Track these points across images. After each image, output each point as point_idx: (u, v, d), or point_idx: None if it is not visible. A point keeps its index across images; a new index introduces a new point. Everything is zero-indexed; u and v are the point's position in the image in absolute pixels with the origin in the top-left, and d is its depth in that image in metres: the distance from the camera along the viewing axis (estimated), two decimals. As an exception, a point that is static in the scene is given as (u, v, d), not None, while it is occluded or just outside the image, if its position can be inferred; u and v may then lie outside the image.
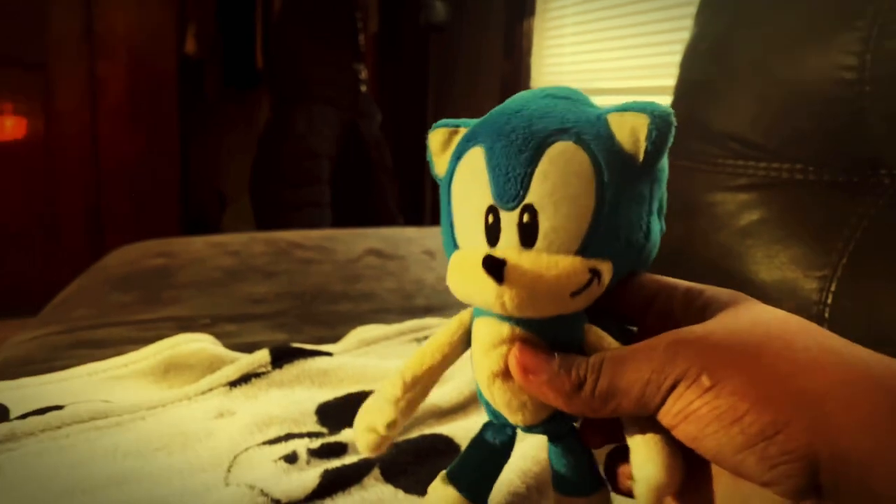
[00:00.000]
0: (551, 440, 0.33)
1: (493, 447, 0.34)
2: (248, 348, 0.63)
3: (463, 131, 0.31)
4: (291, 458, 0.46)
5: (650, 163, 0.28)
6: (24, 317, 0.97)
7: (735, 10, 0.74)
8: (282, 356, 0.59)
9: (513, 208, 0.27)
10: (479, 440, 0.34)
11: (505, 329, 0.29)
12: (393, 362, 0.63)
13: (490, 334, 0.30)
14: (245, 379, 0.57)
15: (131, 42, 2.41)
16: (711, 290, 0.29)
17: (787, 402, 0.22)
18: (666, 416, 0.25)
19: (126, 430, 0.50)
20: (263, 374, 0.58)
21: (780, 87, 0.65)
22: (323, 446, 0.48)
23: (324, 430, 0.52)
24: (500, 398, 0.30)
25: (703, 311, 0.28)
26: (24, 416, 0.50)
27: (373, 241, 1.19)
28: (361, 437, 0.32)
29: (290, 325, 0.77)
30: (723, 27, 0.74)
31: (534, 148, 0.27)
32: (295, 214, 2.23)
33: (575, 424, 0.33)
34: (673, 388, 0.24)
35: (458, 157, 0.30)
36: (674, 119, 0.27)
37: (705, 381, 0.24)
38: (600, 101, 0.30)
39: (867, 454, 0.21)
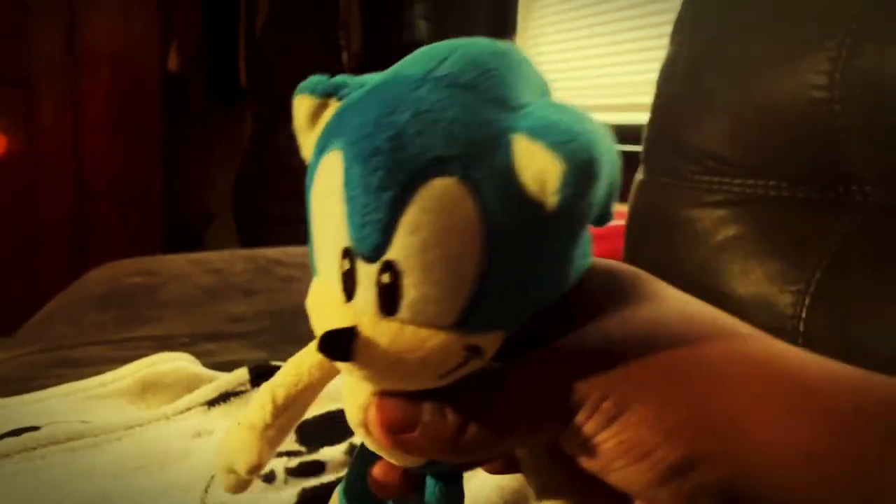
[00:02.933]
0: (435, 478, 0.27)
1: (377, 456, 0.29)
2: (227, 367, 0.63)
3: (335, 105, 0.23)
4: (269, 478, 0.46)
5: (563, 212, 0.19)
6: (5, 335, 0.96)
7: (709, 30, 0.75)
8: (261, 375, 0.59)
9: (371, 261, 0.20)
10: (362, 451, 0.30)
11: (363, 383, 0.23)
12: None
13: (349, 379, 0.24)
14: (223, 398, 0.57)
15: (115, 57, 2.41)
16: (598, 271, 0.24)
17: (701, 431, 0.19)
18: (567, 446, 0.22)
19: (103, 451, 0.50)
20: (242, 392, 0.58)
21: (753, 105, 0.66)
22: (301, 465, 0.48)
23: (302, 448, 0.52)
24: (370, 445, 0.26)
25: (595, 299, 0.23)
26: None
27: (355, 257, 1.19)
28: (222, 477, 0.27)
29: (269, 343, 0.77)
30: (698, 46, 0.75)
31: (401, 186, 0.19)
32: (278, 230, 2.23)
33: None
34: (573, 413, 0.21)
35: (319, 152, 0.22)
36: (596, 169, 0.19)
37: (609, 407, 0.20)
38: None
39: (797, 487, 0.19)
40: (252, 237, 2.28)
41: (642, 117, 0.85)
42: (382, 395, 0.23)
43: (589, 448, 0.21)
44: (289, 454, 0.50)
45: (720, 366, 0.20)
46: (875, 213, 0.59)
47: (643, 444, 0.20)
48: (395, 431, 0.22)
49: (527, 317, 0.22)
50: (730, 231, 0.67)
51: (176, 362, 0.63)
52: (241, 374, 0.59)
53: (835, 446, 0.19)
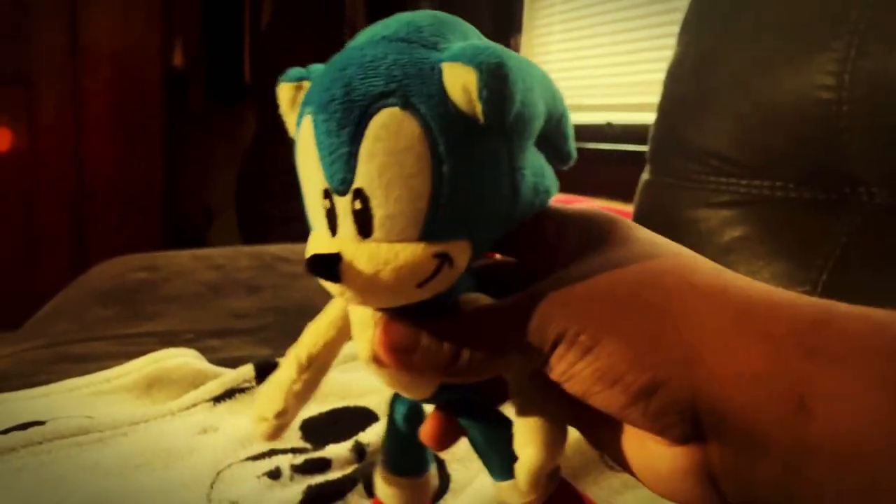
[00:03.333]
0: (460, 414, 0.30)
1: (400, 421, 0.33)
2: (232, 363, 0.63)
3: (307, 86, 0.27)
4: (275, 474, 0.46)
5: (496, 121, 0.23)
6: (6, 331, 0.96)
7: (716, 31, 0.75)
8: (266, 371, 0.59)
9: (343, 193, 0.24)
10: (389, 419, 0.33)
11: (368, 311, 0.27)
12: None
13: (357, 315, 0.28)
14: (229, 394, 0.57)
15: (115, 57, 2.41)
16: (577, 217, 0.28)
17: (660, 359, 0.22)
18: (552, 374, 0.25)
19: (108, 447, 0.50)
20: (247, 389, 0.58)
21: (759, 106, 0.66)
22: (306, 462, 0.48)
23: (308, 445, 0.52)
24: (383, 380, 0.29)
25: (575, 243, 0.27)
26: (5, 432, 0.49)
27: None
28: (254, 426, 0.30)
29: (274, 339, 0.77)
30: (704, 47, 0.75)
31: (355, 121, 0.23)
32: (281, 228, 2.23)
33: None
34: (555, 345, 0.24)
35: (298, 122, 0.26)
36: (506, 70, 0.22)
37: (585, 340, 0.23)
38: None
39: (743, 403, 0.21)
40: (254, 236, 2.27)
41: (648, 117, 0.85)
42: (388, 319, 0.26)
43: (571, 376, 0.24)
44: (294, 451, 0.50)
45: (678, 300, 0.23)
46: (878, 214, 0.59)
47: (614, 371, 0.23)
48: (398, 352, 0.25)
49: (487, 227, 0.25)
50: (736, 232, 0.67)
51: (181, 358, 0.62)
52: (247, 370, 0.59)
53: (774, 365, 0.21)
